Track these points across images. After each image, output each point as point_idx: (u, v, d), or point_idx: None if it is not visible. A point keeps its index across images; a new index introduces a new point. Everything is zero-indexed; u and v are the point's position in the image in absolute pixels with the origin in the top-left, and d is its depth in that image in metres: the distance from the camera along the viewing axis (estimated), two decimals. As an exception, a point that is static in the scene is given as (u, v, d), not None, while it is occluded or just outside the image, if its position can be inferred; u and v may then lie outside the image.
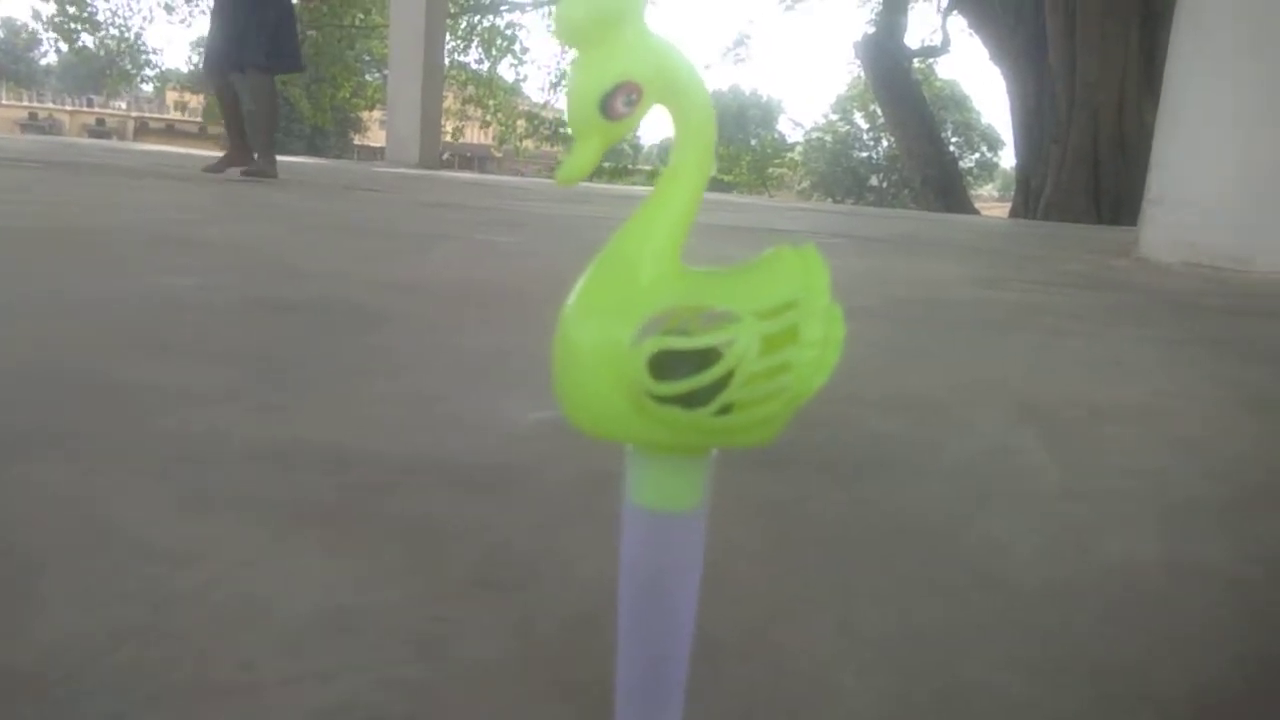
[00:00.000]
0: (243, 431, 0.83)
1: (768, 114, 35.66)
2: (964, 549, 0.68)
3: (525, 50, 21.28)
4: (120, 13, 23.42)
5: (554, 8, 0.32)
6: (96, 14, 22.11)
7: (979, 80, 60.94)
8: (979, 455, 0.92)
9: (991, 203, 26.43)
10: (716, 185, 25.70)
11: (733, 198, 13.06)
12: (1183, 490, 0.86)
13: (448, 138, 17.49)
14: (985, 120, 30.24)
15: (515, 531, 0.66)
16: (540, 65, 40.94)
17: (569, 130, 0.35)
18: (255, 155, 4.85)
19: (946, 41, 16.17)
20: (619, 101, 0.34)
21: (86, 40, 22.72)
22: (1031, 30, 11.46)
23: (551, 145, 22.96)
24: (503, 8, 19.93)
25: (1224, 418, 1.15)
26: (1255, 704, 0.51)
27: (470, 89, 20.34)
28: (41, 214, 2.64)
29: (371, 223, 3.10)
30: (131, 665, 0.46)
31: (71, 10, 21.74)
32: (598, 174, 21.20)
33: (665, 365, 0.35)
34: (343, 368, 1.10)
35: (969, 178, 23.49)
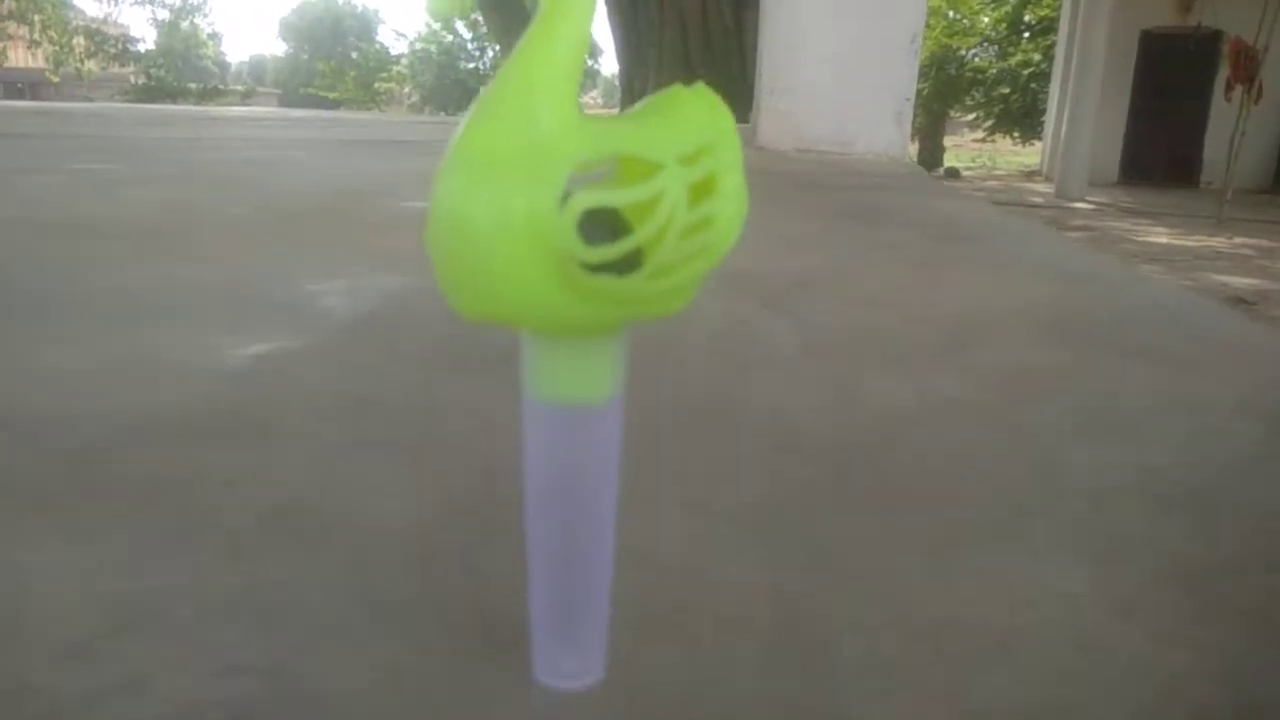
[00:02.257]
0: None
1: (365, 25, 33.62)
2: (758, 420, 0.70)
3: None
4: None
5: None
6: None
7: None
8: (727, 326, 0.94)
9: (596, 107, 27.42)
10: (323, 103, 24.03)
11: (344, 114, 12.33)
12: (893, 337, 0.94)
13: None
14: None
15: (294, 479, 0.56)
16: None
17: None
18: None
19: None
20: None
21: None
22: (620, -56, 11.81)
23: (121, 65, 19.99)
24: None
25: (894, 276, 1.28)
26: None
27: (8, 1, 17.07)
28: None
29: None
30: None
31: None
32: (183, 95, 18.90)
33: (585, 228, 0.30)
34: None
35: (575, 85, 24.06)
